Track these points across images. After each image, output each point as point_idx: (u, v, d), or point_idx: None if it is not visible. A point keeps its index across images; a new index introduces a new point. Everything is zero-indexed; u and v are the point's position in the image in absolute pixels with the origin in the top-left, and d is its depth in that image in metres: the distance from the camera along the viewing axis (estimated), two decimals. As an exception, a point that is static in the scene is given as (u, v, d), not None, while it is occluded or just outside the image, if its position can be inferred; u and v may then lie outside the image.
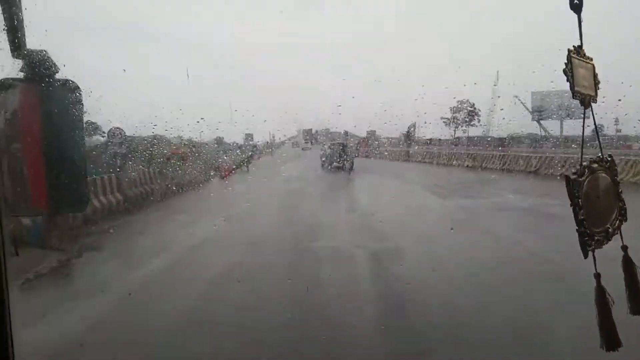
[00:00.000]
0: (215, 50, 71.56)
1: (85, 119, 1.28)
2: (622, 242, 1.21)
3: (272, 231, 10.51)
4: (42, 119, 1.17)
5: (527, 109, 51.94)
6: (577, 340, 4.17)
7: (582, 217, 1.10)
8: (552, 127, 50.51)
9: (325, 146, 28.21)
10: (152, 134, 17.85)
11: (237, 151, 27.20)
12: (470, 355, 4.40)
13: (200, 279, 6.91)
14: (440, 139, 44.09)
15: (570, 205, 1.10)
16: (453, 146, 40.06)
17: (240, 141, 29.79)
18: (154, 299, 6.11)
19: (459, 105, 55.16)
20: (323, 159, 26.24)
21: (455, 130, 56.71)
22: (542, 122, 52.07)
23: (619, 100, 11.14)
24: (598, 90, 1.23)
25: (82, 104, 1.23)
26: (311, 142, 42.02)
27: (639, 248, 1.32)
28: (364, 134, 41.52)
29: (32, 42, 1.17)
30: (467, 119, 57.17)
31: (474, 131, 53.54)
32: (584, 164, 1.15)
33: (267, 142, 35.90)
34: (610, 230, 1.19)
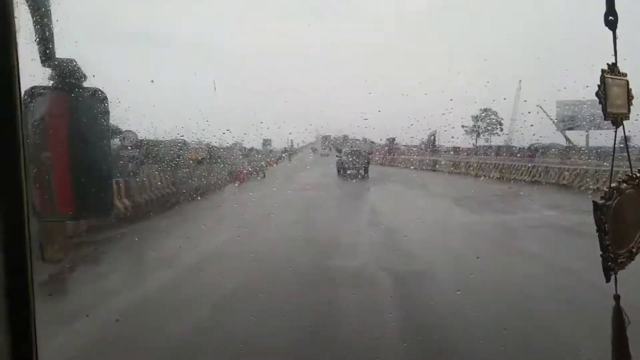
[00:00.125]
0: (238, 58, 71.43)
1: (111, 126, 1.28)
2: None
3: (283, 248, 9.42)
4: (70, 127, 1.21)
5: (551, 119, 50.25)
6: None
7: (607, 243, 1.12)
8: (576, 137, 48.78)
9: (341, 153, 28.76)
10: (170, 138, 17.31)
11: (258, 156, 27.28)
12: None
13: (193, 313, 5.90)
14: (460, 148, 42.78)
15: (597, 232, 1.11)
16: (475, 155, 38.72)
17: (259, 146, 29.42)
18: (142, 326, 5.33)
19: (482, 114, 54.04)
20: (339, 165, 27.10)
21: (477, 139, 55.49)
22: (566, 132, 50.34)
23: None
24: (631, 106, 1.22)
25: (109, 113, 1.25)
26: (329, 149, 42.54)
27: None
28: (382, 141, 40.67)
29: (62, 52, 1.20)
30: (489, 128, 55.96)
31: (495, 140, 52.35)
32: (613, 184, 1.16)
33: (285, 148, 35.47)
34: (633, 250, 1.21)
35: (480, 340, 4.95)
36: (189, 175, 17.10)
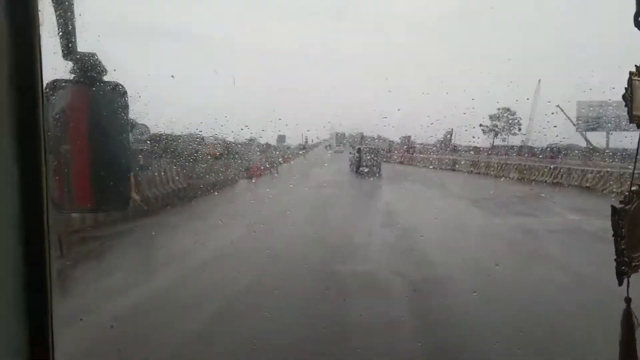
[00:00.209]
0: (259, 55, 71.53)
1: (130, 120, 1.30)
2: None
3: (295, 248, 9.22)
4: (90, 120, 1.22)
5: (570, 120, 49.06)
6: None
7: (622, 247, 1.15)
8: (596, 138, 47.55)
9: (355, 150, 28.76)
10: (188, 132, 17.45)
11: (276, 152, 27.27)
12: None
13: (193, 319, 5.69)
14: (480, 148, 42.12)
15: (613, 236, 1.15)
16: (496, 155, 38.03)
17: (273, 142, 29.51)
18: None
19: (499, 113, 53.16)
20: (352, 162, 27.28)
21: (494, 139, 54.64)
22: (585, 133, 49.12)
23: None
24: None
25: (129, 107, 1.25)
26: (343, 145, 42.67)
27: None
28: (396, 139, 40.37)
29: (84, 46, 1.20)
30: (507, 127, 55.03)
31: (512, 140, 51.47)
32: (633, 188, 1.19)
33: (301, 144, 35.48)
34: None
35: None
36: (207, 171, 17.23)
